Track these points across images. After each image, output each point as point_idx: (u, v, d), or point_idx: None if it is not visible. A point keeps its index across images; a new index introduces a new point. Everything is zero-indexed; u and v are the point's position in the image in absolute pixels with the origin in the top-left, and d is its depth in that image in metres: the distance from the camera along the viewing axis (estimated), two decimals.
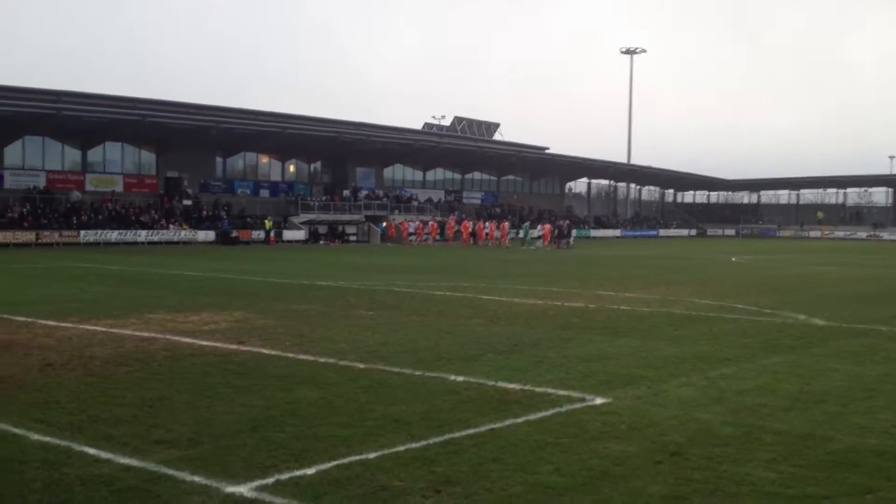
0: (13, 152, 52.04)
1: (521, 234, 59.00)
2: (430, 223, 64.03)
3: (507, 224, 61.54)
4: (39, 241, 46.31)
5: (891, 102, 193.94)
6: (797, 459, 7.01)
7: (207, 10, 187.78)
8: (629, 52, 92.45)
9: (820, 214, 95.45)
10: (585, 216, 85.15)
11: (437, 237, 62.58)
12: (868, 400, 9.29)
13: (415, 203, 69.82)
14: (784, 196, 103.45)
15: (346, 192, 65.68)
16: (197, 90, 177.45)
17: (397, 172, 74.15)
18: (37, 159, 52.95)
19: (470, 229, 60.65)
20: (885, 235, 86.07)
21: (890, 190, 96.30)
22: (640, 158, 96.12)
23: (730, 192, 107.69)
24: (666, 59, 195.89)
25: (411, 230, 60.43)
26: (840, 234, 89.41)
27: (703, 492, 6.17)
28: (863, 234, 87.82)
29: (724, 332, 14.69)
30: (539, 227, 61.07)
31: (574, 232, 61.16)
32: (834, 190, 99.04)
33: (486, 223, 61.83)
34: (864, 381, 10.33)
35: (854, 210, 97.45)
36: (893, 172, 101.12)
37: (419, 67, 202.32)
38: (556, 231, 57.85)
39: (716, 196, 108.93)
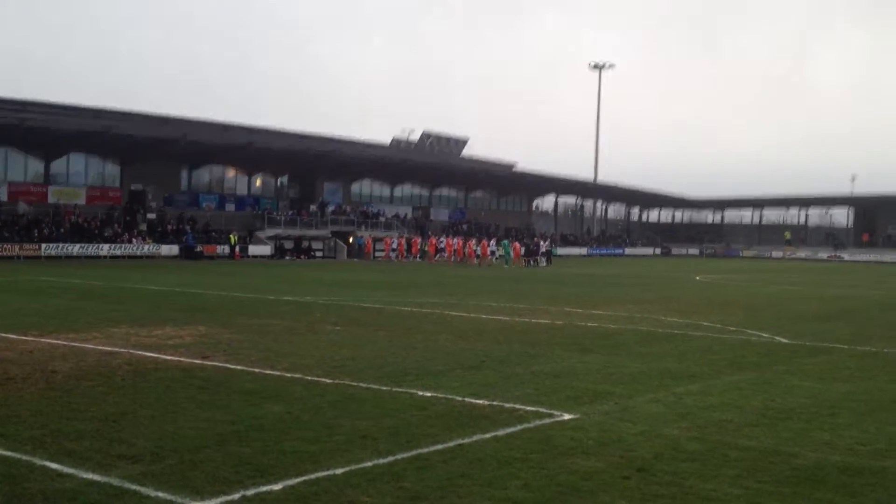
0: None
1: (502, 252, 58.24)
2: (413, 240, 63.60)
3: (486, 242, 60.81)
4: None
5: (853, 122, 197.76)
6: (762, 475, 7.06)
7: (177, 18, 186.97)
8: (598, 66, 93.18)
9: (787, 234, 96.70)
10: (552, 234, 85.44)
11: (414, 256, 61.98)
12: (832, 417, 9.40)
13: (382, 219, 69.68)
14: (747, 216, 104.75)
15: (313, 208, 65.42)
16: (165, 100, 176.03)
17: (365, 188, 73.99)
18: None
19: (438, 246, 60.67)
20: (846, 256, 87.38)
21: (851, 210, 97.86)
22: (608, 175, 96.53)
23: (694, 211, 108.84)
24: (635, 75, 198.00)
25: (394, 246, 60.18)
26: (802, 254, 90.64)
27: None
28: (824, 255, 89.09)
29: (691, 349, 14.81)
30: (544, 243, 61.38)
31: (550, 251, 60.81)
32: (796, 210, 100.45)
33: (468, 241, 61.28)
34: (827, 399, 10.46)
35: (827, 230, 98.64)
36: (854, 192, 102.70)
37: (390, 79, 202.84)
38: (525, 249, 58.01)
39: (680, 214, 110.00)
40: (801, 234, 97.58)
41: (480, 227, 75.65)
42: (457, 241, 61.06)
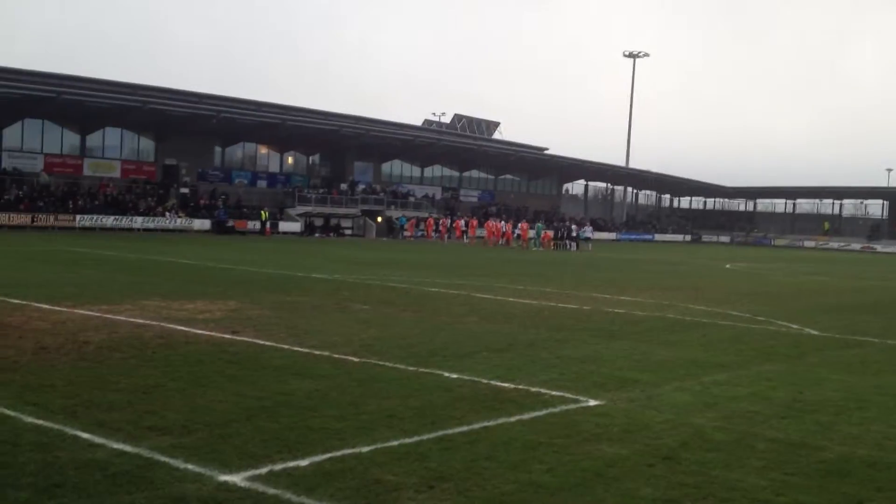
0: (12, 134, 51.90)
1: (535, 234, 57.62)
2: (456, 222, 62.26)
3: (526, 225, 59.22)
4: (35, 224, 46.17)
5: (890, 114, 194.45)
6: (789, 467, 7.03)
7: None
8: (632, 55, 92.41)
9: (826, 225, 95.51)
10: (581, 218, 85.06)
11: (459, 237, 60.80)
12: (860, 411, 9.32)
13: (412, 199, 69.77)
14: (780, 205, 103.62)
15: (343, 186, 65.63)
16: (199, 79, 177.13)
17: (395, 168, 74.11)
18: (36, 142, 52.83)
19: (463, 228, 60.37)
20: (880, 248, 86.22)
21: (885, 202, 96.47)
22: (639, 162, 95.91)
23: (726, 199, 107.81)
24: (668, 63, 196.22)
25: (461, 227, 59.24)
26: (835, 245, 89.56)
27: (694, 496, 6.19)
28: (857, 246, 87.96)
29: (719, 338, 14.72)
30: (587, 227, 61.02)
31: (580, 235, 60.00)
32: (830, 200, 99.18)
33: (506, 223, 60.31)
34: (856, 392, 10.36)
35: (861, 220, 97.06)
36: (890, 185, 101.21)
37: (422, 63, 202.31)
38: (561, 233, 57.69)
39: (712, 202, 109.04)
40: (836, 224, 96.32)
41: (509, 210, 75.49)
42: (505, 225, 59.39)
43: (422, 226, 62.14)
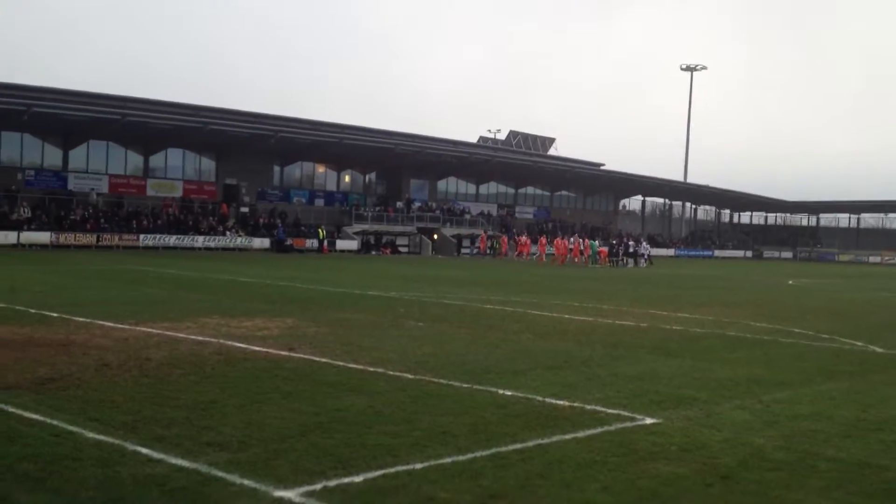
0: (78, 156, 53.35)
1: (592, 251, 56.90)
2: (540, 239, 61.01)
3: (586, 242, 57.81)
4: (100, 243, 47.36)
5: None
6: (852, 487, 6.85)
7: (269, 21, 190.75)
8: (689, 69, 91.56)
9: None
10: (639, 234, 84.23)
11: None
12: None
13: (467, 216, 69.90)
14: (844, 220, 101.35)
15: (399, 204, 66.06)
16: (257, 100, 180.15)
17: (451, 185, 74.33)
18: (100, 163, 54.22)
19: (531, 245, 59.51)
20: None
21: None
22: (697, 177, 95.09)
23: (788, 214, 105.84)
24: (726, 76, 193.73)
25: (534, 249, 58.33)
26: None
27: None
28: None
29: (780, 356, 14.43)
30: (644, 244, 60.43)
31: (647, 249, 59.61)
32: (895, 215, 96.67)
33: (572, 239, 59.01)
34: None
35: None
36: None
37: (476, 81, 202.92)
38: (619, 249, 57.19)
39: (773, 218, 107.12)
40: None
41: (565, 227, 75.13)
42: (573, 242, 57.86)
43: (493, 243, 61.58)
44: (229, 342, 13.34)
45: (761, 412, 9.65)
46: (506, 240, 64.74)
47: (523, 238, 62.26)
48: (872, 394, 11.09)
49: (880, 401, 10.60)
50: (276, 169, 62.93)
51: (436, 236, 63.52)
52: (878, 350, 15.73)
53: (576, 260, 55.83)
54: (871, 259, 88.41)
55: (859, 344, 16.46)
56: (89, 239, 47.21)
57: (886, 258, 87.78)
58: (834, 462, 7.61)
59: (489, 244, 62.98)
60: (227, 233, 53.97)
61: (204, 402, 8.99)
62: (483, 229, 67.12)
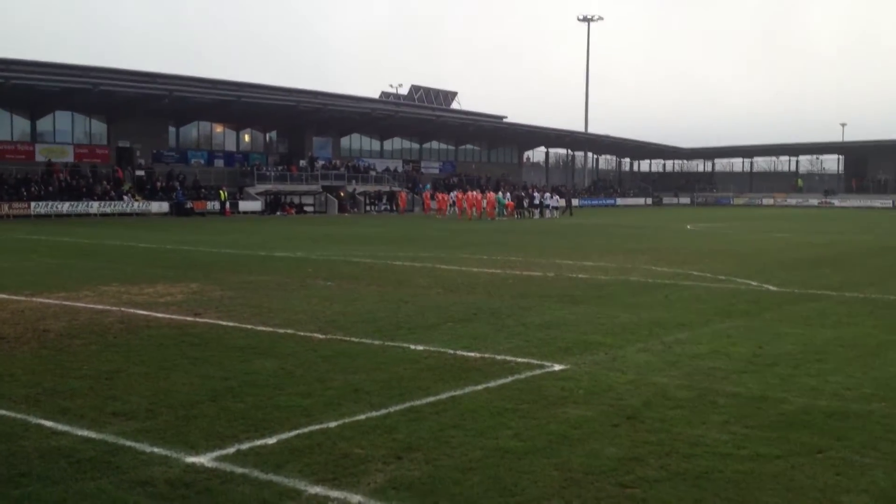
0: None
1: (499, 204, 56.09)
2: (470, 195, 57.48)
3: (492, 195, 56.62)
4: None
5: (843, 69, 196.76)
6: (750, 421, 7.17)
7: None
8: (586, 19, 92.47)
9: (800, 182, 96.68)
10: (543, 185, 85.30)
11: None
12: (819, 363, 9.51)
13: (372, 173, 69.48)
14: (738, 164, 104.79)
15: (302, 163, 65.13)
16: (150, 58, 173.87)
17: (354, 142, 73.65)
18: None
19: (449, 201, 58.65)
20: (837, 202, 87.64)
21: (841, 157, 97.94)
22: (598, 127, 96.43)
23: (685, 161, 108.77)
24: (623, 27, 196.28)
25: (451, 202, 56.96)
26: (793, 201, 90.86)
27: (658, 453, 6.29)
28: (815, 202, 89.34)
29: (680, 298, 14.91)
30: (549, 195, 60.43)
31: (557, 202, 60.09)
32: (786, 157, 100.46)
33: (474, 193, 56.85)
34: (815, 345, 10.57)
35: (829, 177, 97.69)
36: (844, 140, 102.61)
37: (377, 36, 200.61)
38: (516, 200, 57.71)
39: (671, 164, 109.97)
40: (792, 182, 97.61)
41: (471, 180, 75.48)
42: (475, 196, 55.93)
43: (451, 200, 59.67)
44: (131, 310, 13.01)
45: (663, 353, 9.98)
46: (404, 195, 64.34)
47: (442, 195, 61.03)
48: (767, 331, 11.58)
49: (775, 337, 11.08)
50: (172, 130, 61.11)
51: (342, 194, 62.97)
52: (772, 289, 16.41)
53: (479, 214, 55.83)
54: (765, 202, 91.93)
55: (754, 284, 17.13)
56: None
57: (779, 200, 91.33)
58: (733, 397, 7.94)
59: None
60: (124, 197, 52.31)
61: (108, 372, 8.77)
62: (390, 186, 66.71)
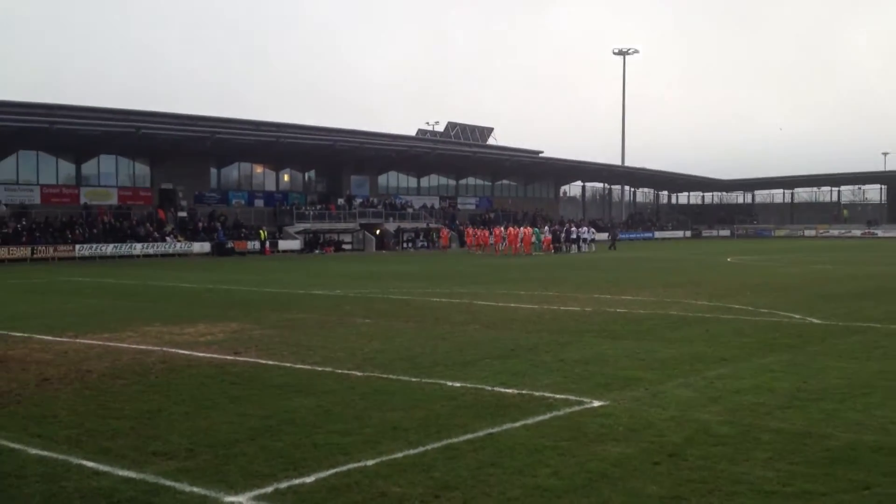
0: (7, 167, 51.94)
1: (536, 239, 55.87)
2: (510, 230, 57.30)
3: (529, 230, 56.29)
4: (35, 256, 46.21)
5: (884, 98, 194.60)
6: (795, 457, 7.03)
7: (202, 18, 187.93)
8: (622, 52, 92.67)
9: (845, 212, 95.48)
10: (581, 219, 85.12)
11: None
12: (865, 397, 9.32)
13: (409, 210, 69.84)
14: (778, 195, 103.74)
15: (340, 201, 65.70)
16: (192, 100, 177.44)
17: (392, 180, 74.17)
18: (31, 174, 52.88)
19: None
20: (880, 233, 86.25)
21: (883, 187, 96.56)
22: (635, 160, 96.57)
23: (724, 193, 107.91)
24: (659, 59, 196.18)
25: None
26: (835, 232, 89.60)
27: (700, 491, 6.18)
28: (858, 233, 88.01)
29: (721, 332, 14.71)
30: (585, 229, 60.11)
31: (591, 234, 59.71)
32: (828, 188, 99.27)
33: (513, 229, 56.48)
34: (860, 378, 10.36)
35: (872, 207, 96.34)
36: (888, 169, 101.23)
37: (413, 73, 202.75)
38: (553, 235, 57.52)
39: (710, 197, 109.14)
40: (835, 212, 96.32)
41: (508, 215, 75.52)
42: (522, 231, 55.18)
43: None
44: (172, 349, 13.14)
45: (705, 388, 9.84)
46: (446, 232, 64.59)
47: (485, 231, 60.10)
48: (811, 365, 11.38)
49: (819, 371, 10.88)
50: (213, 171, 62.05)
51: (378, 231, 63.32)
52: (816, 321, 16.14)
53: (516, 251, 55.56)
54: (807, 233, 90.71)
55: (797, 317, 16.86)
56: (23, 252, 46.03)
57: (821, 231, 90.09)
58: (777, 433, 7.79)
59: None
60: (166, 238, 53.09)
61: (149, 412, 8.85)
62: (427, 223, 66.93)
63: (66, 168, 54.75)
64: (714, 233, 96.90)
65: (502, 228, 58.80)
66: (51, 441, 7.71)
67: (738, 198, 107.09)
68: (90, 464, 6.96)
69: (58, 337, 14.74)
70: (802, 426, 8.05)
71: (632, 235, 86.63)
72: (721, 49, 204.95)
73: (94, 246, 49.06)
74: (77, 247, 48.23)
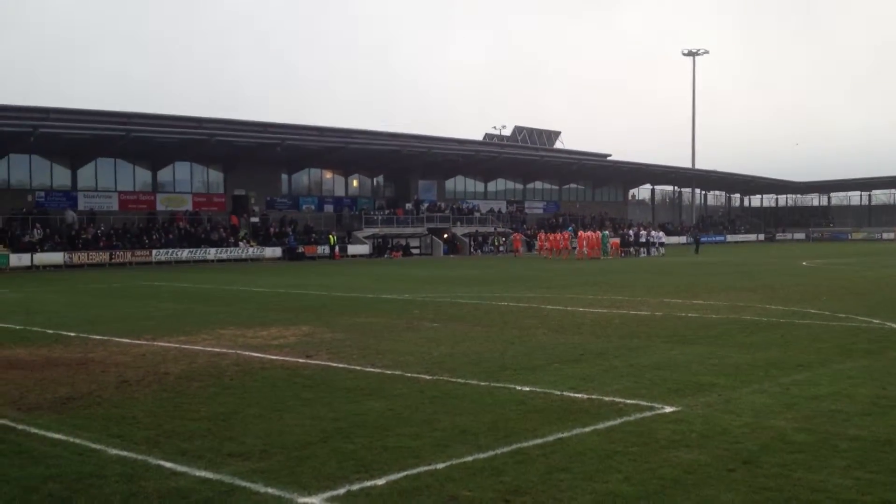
0: (86, 174, 53.60)
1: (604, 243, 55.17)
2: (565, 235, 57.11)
3: (598, 234, 55.35)
4: (113, 261, 47.59)
5: None
6: (874, 466, 6.84)
7: (271, 29, 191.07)
8: (691, 53, 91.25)
9: None
10: (650, 223, 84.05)
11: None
12: None
13: (477, 214, 69.89)
14: (855, 197, 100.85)
15: (408, 206, 66.13)
16: (262, 108, 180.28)
17: (459, 184, 74.32)
18: (109, 181, 54.47)
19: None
20: None
21: None
22: (705, 162, 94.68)
23: (799, 195, 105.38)
24: (730, 60, 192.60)
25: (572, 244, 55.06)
26: None
27: (777, 500, 6.06)
28: None
29: (797, 337, 14.39)
30: (655, 232, 59.54)
31: (660, 238, 58.94)
32: None
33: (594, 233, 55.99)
34: None
35: None
36: None
37: (479, 77, 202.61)
38: (620, 239, 56.98)
39: (784, 199, 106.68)
40: None
41: (575, 219, 75.01)
42: (584, 235, 54.44)
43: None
44: (246, 352, 13.40)
45: (780, 395, 9.64)
46: (519, 237, 64.41)
47: (558, 234, 59.19)
48: (891, 371, 11.05)
49: None
50: (284, 177, 63.07)
51: (446, 236, 63.51)
52: (895, 326, 15.67)
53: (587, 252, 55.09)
54: (885, 236, 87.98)
55: (876, 322, 16.39)
56: (102, 257, 47.44)
57: None
58: (855, 441, 7.59)
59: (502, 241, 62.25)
60: (239, 244, 54.15)
61: (224, 413, 9.04)
62: (494, 227, 66.91)
63: (143, 175, 56.25)
64: (788, 236, 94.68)
65: (571, 232, 58.38)
66: (130, 442, 7.94)
67: (814, 200, 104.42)
68: (168, 464, 7.14)
69: (136, 340, 15.15)
70: (882, 434, 7.83)
71: (703, 239, 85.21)
72: (791, 49, 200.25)
73: (170, 251, 50.30)
74: (154, 252, 49.52)
